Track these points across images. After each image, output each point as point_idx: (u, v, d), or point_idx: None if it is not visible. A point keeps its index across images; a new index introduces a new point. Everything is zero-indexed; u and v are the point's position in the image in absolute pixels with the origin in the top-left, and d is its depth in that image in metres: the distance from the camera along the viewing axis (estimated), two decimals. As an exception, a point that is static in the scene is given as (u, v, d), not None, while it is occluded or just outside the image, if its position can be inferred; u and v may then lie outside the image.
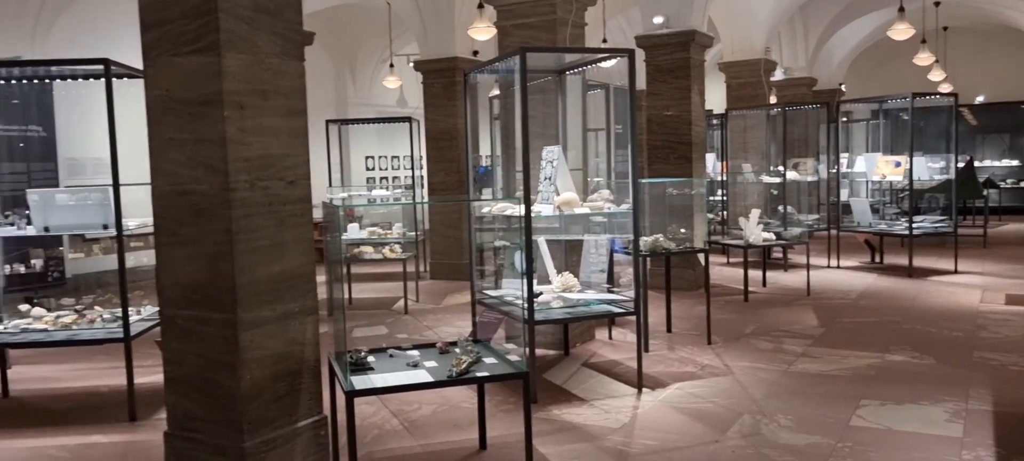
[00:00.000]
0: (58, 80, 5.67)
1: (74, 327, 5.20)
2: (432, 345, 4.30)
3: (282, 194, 4.00)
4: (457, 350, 4.07)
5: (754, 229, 8.67)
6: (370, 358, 3.99)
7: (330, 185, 11.12)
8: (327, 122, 11.21)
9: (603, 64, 6.34)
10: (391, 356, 4.15)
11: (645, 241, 6.76)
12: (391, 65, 13.99)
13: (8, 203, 5.99)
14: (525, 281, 4.96)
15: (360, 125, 13.01)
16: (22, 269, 7.76)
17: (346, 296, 9.23)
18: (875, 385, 5.34)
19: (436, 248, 11.29)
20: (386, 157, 16.49)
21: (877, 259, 11.38)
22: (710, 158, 12.34)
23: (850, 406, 4.90)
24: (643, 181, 6.63)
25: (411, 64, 12.38)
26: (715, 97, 15.09)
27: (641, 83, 9.65)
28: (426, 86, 11.43)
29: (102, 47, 5.77)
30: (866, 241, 11.57)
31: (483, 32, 9.35)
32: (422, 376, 3.77)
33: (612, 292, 5.75)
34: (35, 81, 5.97)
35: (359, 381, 3.69)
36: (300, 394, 4.06)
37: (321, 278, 8.70)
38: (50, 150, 9.96)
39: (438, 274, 11.02)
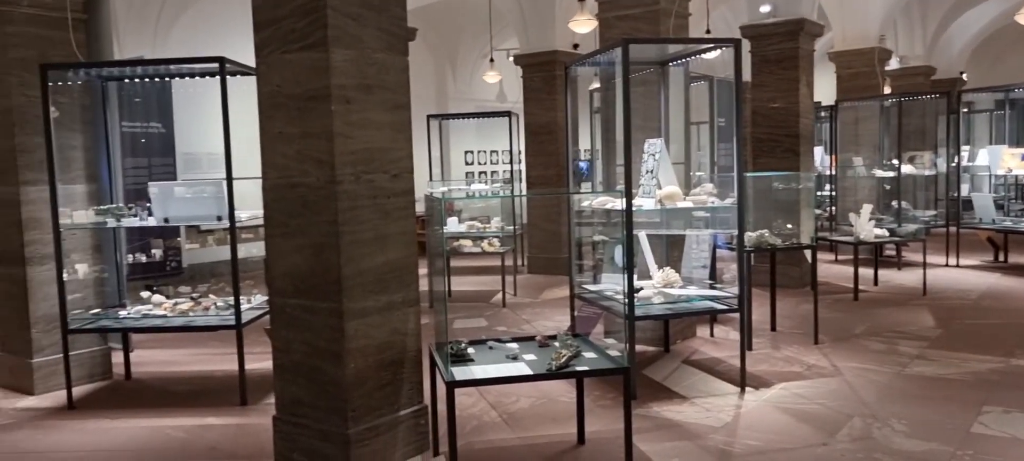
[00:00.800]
0: (177, 79, 5.95)
1: (190, 314, 5.44)
2: (531, 338, 4.30)
3: (386, 187, 4.08)
4: (557, 344, 4.05)
5: (865, 225, 8.31)
6: (470, 350, 4.01)
7: (430, 179, 11.29)
8: (428, 117, 11.41)
9: (707, 55, 6.20)
10: (490, 348, 4.17)
11: (749, 236, 6.57)
12: (491, 60, 14.06)
13: (131, 196, 6.32)
14: (626, 276, 4.89)
15: (460, 120, 13.15)
16: (144, 258, 8.22)
17: (447, 288, 9.35)
18: (999, 391, 5.03)
19: (534, 242, 11.31)
20: (485, 151, 16.62)
21: (1001, 258, 10.73)
22: (818, 151, 11.90)
23: (971, 412, 4.63)
24: (748, 175, 6.45)
25: (511, 58, 12.41)
26: (824, 88, 14.53)
27: (746, 74, 9.39)
28: (526, 80, 11.45)
29: (215, 47, 5.99)
30: (989, 239, 10.93)
31: (584, 25, 9.29)
32: (522, 369, 3.77)
33: (714, 288, 5.61)
34: (156, 80, 6.27)
35: (459, 372, 3.72)
36: (402, 383, 4.13)
37: (422, 270, 8.89)
38: (169, 146, 10.48)
39: (536, 268, 11.04)
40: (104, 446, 4.51)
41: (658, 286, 5.54)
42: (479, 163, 16.74)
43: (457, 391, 3.56)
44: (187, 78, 5.75)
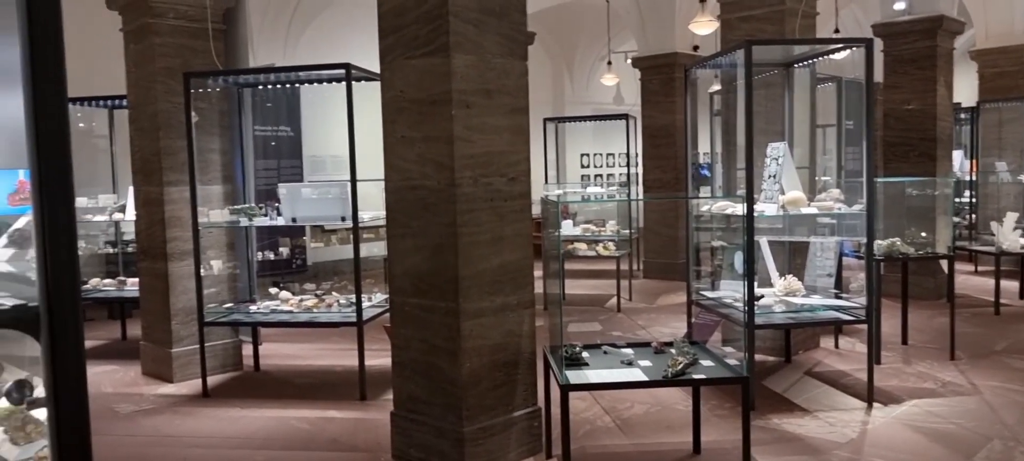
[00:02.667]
0: (306, 84, 6.21)
1: (314, 310, 5.66)
2: (647, 344, 4.25)
3: (503, 190, 4.12)
4: (673, 351, 3.99)
5: (1009, 234, 7.77)
6: (585, 354, 4.00)
7: (546, 182, 11.33)
8: (545, 120, 11.45)
9: (835, 56, 5.95)
10: (605, 353, 4.14)
11: (880, 244, 6.26)
12: (609, 62, 13.99)
13: (262, 196, 6.64)
14: (746, 283, 4.76)
15: (576, 123, 13.13)
16: (271, 256, 8.60)
17: (562, 291, 9.36)
18: None
19: (650, 247, 11.17)
20: (602, 154, 16.54)
21: None
22: (957, 156, 11.21)
23: None
24: (879, 180, 6.16)
25: (628, 61, 12.32)
26: (964, 89, 13.69)
27: (878, 75, 8.96)
28: (644, 83, 11.33)
29: (341, 54, 6.22)
30: None
31: (704, 26, 9.10)
32: (637, 375, 3.73)
33: (840, 298, 5.38)
34: (285, 86, 6.55)
35: (574, 376, 3.72)
36: (516, 384, 4.16)
37: (538, 273, 8.94)
38: (297, 149, 10.95)
39: (652, 273, 10.90)
40: (236, 433, 4.75)
41: (779, 294, 5.36)
42: (595, 166, 16.67)
43: (571, 395, 3.56)
44: (314, 84, 6.02)
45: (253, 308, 5.80)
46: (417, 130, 4.05)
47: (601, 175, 16.53)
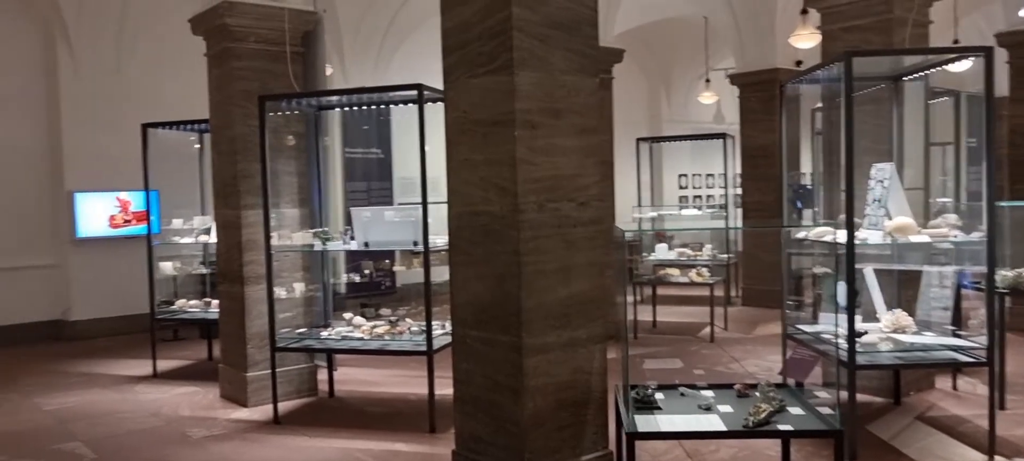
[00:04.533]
0: (386, 106, 6.09)
1: (386, 337, 5.51)
2: (729, 386, 3.86)
3: (572, 216, 3.84)
4: (757, 395, 3.60)
5: None
6: (658, 395, 3.66)
7: (639, 204, 10.94)
8: (638, 140, 11.09)
9: (952, 67, 5.41)
10: (682, 395, 3.79)
11: (1004, 275, 5.62)
12: (706, 80, 13.50)
13: (350, 219, 6.56)
14: (846, 317, 4.30)
15: (672, 143, 12.70)
16: (357, 278, 8.56)
17: (652, 319, 8.96)
18: None
19: (749, 272, 10.62)
20: (700, 175, 15.98)
21: None
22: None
23: None
24: (1002, 204, 5.54)
25: (728, 78, 11.82)
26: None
27: (1002, 88, 8.22)
28: (742, 100, 10.83)
29: (431, 75, 6.07)
30: None
31: (806, 39, 8.56)
32: (713, 423, 3.36)
33: (958, 335, 4.82)
34: (375, 108, 6.37)
35: (643, 421, 3.39)
36: (585, 426, 3.85)
37: (630, 299, 8.55)
38: (387, 170, 10.98)
39: (751, 300, 10.33)
40: (299, 464, 4.63)
41: (886, 330, 4.85)
42: (694, 187, 16.13)
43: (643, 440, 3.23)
44: (395, 106, 5.89)
45: (325, 333, 5.69)
46: (480, 152, 3.82)
47: (700, 196, 15.97)
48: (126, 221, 9.06)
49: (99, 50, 8.97)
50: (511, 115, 3.67)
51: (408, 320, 5.79)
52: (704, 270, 8.62)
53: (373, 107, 6.18)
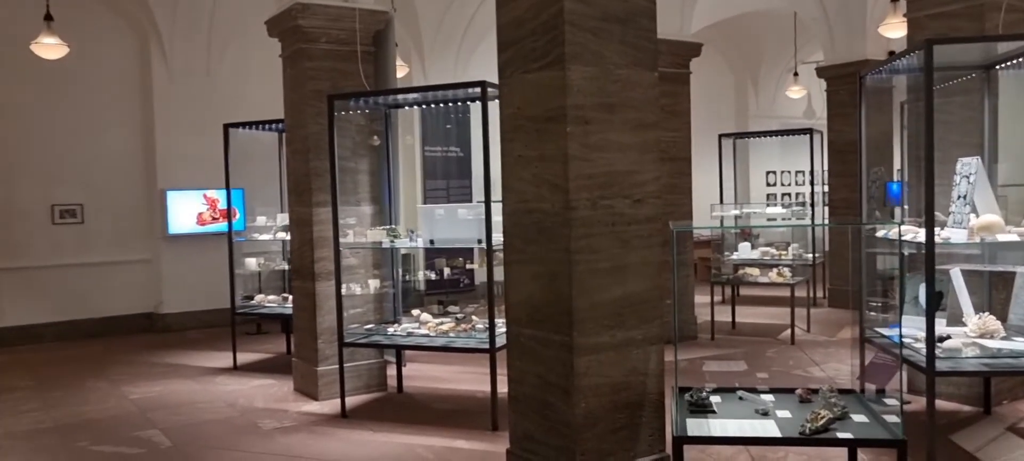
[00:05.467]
0: (469, 103, 6.08)
1: (450, 334, 5.53)
2: (791, 391, 3.70)
3: (627, 213, 3.76)
4: (819, 400, 3.44)
5: None
6: (714, 398, 3.54)
7: (721, 202, 10.67)
8: (720, 136, 10.83)
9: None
10: (740, 398, 3.66)
11: (1107, 279, 5.22)
12: (795, 73, 13.08)
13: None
14: (926, 320, 4.07)
15: (760, 139, 12.35)
16: (433, 275, 8.64)
17: (731, 319, 8.73)
18: None
19: (836, 272, 10.21)
20: (789, 172, 15.48)
21: None
22: None
23: None
24: (1106, 201, 5.14)
25: (816, 71, 11.41)
26: None
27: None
28: (830, 94, 10.43)
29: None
30: None
31: (897, 28, 8.17)
32: (768, 428, 3.23)
33: (1052, 342, 4.50)
34: (456, 105, 6.35)
35: (694, 425, 3.28)
36: (639, 428, 3.76)
37: (703, 298, 8.37)
38: (466, 168, 11.04)
39: (837, 301, 9.93)
40: (360, 458, 4.69)
41: (972, 335, 4.57)
42: (783, 184, 15.64)
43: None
44: (457, 103, 5.91)
45: (391, 330, 5.76)
46: (533, 149, 3.78)
47: (788, 194, 15.47)
48: (213, 218, 9.41)
49: (190, 55, 9.35)
50: (563, 111, 3.61)
51: (474, 318, 5.80)
52: (785, 270, 8.33)
53: (450, 104, 6.21)
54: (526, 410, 3.92)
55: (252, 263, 8.04)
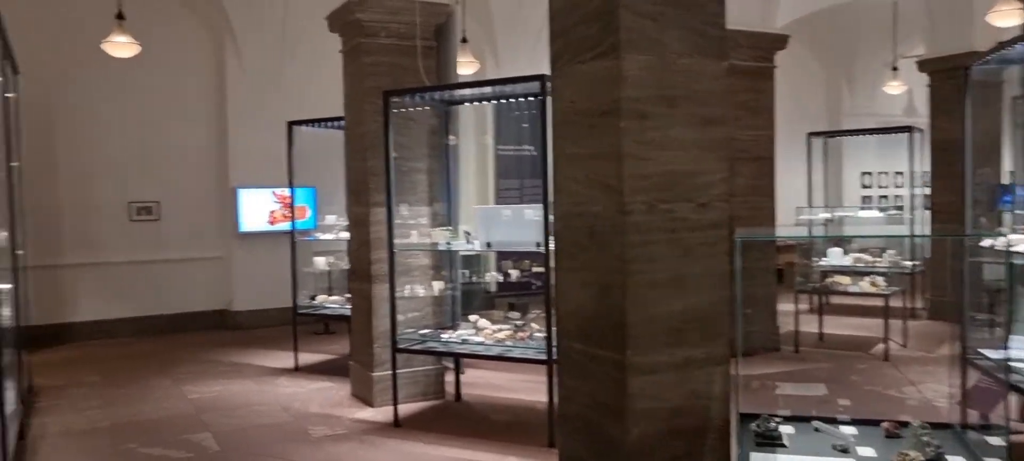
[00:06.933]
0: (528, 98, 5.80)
1: (507, 343, 5.24)
2: (876, 423, 3.26)
3: (689, 218, 3.37)
4: (908, 437, 2.99)
5: None
6: (784, 428, 3.14)
7: (809, 205, 10.05)
8: (809, 135, 10.19)
9: None
10: (816, 430, 3.24)
11: None
12: (894, 68, 12.26)
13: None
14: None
15: (854, 138, 11.63)
16: (499, 278, 8.38)
17: (818, 331, 8.16)
18: None
19: (937, 282, 9.46)
20: (886, 173, 14.59)
21: None
22: None
23: None
24: None
25: (917, 65, 10.64)
26: None
27: None
28: (932, 89, 9.71)
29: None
30: None
31: (1008, 16, 7.47)
32: (846, 469, 2.81)
33: None
34: (525, 99, 6.04)
35: (759, 460, 2.89)
36: (701, 458, 3.38)
37: (787, 306, 7.83)
38: (539, 167, 10.72)
39: (939, 314, 9.21)
40: (408, 472, 4.46)
41: (1094, 361, 4.00)
42: (880, 186, 14.76)
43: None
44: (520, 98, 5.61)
45: (446, 336, 5.51)
46: (584, 146, 3.45)
47: (885, 196, 14.58)
48: (284, 216, 9.39)
49: (263, 52, 9.36)
50: (617, 104, 3.26)
51: (534, 325, 5.50)
52: (879, 279, 7.71)
53: (518, 100, 5.91)
54: (575, 431, 3.58)
55: (321, 262, 7.96)
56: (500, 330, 5.38)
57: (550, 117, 4.72)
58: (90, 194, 8.85)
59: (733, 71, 7.54)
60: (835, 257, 8.43)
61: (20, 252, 5.87)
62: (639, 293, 3.27)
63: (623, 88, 3.24)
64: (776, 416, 3.25)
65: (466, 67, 8.68)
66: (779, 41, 7.80)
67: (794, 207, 9.35)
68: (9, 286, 5.09)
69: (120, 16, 7.31)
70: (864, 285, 7.71)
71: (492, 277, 8.10)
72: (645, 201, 3.28)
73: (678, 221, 3.34)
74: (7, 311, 4.93)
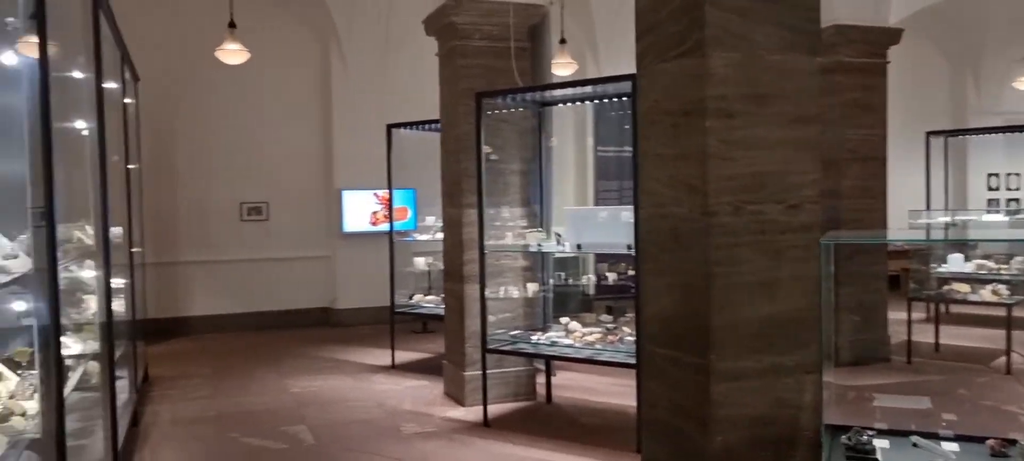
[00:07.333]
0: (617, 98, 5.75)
1: (597, 346, 5.18)
2: (981, 440, 3.04)
3: (778, 220, 3.25)
4: (1015, 455, 2.78)
5: None
6: (879, 442, 2.97)
7: (928, 207, 9.51)
8: (928, 134, 9.65)
9: None
10: (915, 446, 3.04)
11: None
12: (1025, 62, 11.48)
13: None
14: None
15: (980, 137, 10.96)
16: (595, 280, 8.31)
17: (933, 341, 7.71)
18: None
19: (1070, 292, 8.76)
20: (1017, 175, 13.66)
21: None
22: None
23: None
24: None
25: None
26: None
27: None
28: (1067, 84, 8.99)
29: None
30: None
31: None
32: (943, 489, 2.63)
33: None
34: (623, 100, 5.98)
35: (848, 475, 2.74)
36: (789, 470, 3.25)
37: (898, 314, 7.43)
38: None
39: (1072, 326, 8.52)
40: (494, 473, 4.48)
41: None
42: (1009, 188, 13.84)
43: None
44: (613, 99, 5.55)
45: (536, 337, 5.50)
46: (669, 146, 3.37)
47: (1016, 199, 13.64)
48: (385, 217, 9.60)
49: (366, 57, 9.61)
50: (702, 103, 3.17)
51: (625, 328, 5.42)
52: (1001, 287, 7.22)
53: (616, 100, 5.85)
54: (658, 437, 3.51)
55: (420, 262, 8.10)
56: (590, 333, 5.33)
57: (637, 115, 4.67)
58: (205, 195, 9.31)
59: (841, 68, 7.25)
60: (955, 263, 7.95)
61: (136, 250, 6.23)
62: (724, 296, 3.18)
63: (708, 86, 3.15)
64: (869, 429, 3.08)
65: (564, 68, 8.67)
66: (892, 35, 7.42)
67: (904, 210, 8.86)
68: (125, 281, 5.40)
69: (232, 25, 7.66)
70: (985, 293, 7.24)
71: (589, 279, 8.07)
72: (731, 202, 3.18)
73: (767, 223, 3.23)
74: (122, 305, 5.24)
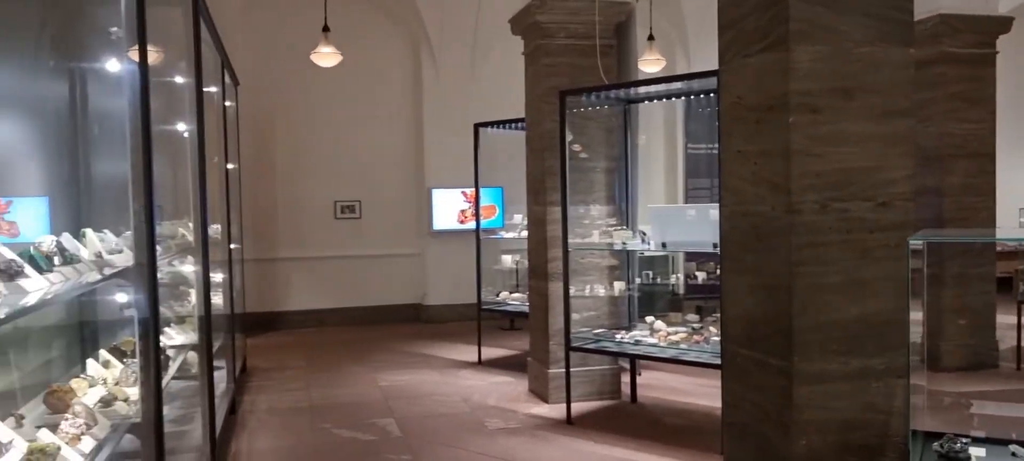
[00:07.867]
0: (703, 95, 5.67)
1: (682, 345, 5.12)
2: (1089, 451, 2.87)
3: (866, 218, 3.15)
4: None
5: None
6: (974, 450, 2.84)
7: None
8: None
9: None
10: (1013, 455, 2.90)
11: None
12: None
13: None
14: None
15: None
16: (684, 279, 8.20)
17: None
18: None
19: None
20: None
21: None
22: None
23: None
24: None
25: None
26: None
27: None
28: None
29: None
30: None
31: None
32: (1041, 501, 2.50)
33: None
34: (710, 95, 5.91)
35: (939, 484, 2.64)
36: (877, 477, 3.14)
37: (1008, 318, 7.06)
38: (728, 166, 10.36)
39: None
40: (575, 470, 4.49)
41: None
42: None
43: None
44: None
45: (620, 336, 5.47)
46: (753, 143, 3.31)
47: None
48: (473, 215, 9.72)
49: (456, 57, 9.75)
50: (785, 98, 3.11)
51: (712, 328, 5.33)
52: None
53: (702, 97, 5.77)
54: (741, 439, 3.45)
55: (507, 260, 8.18)
56: (675, 332, 5.27)
57: (719, 112, 4.59)
58: (301, 194, 9.63)
59: (946, 58, 6.92)
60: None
61: (235, 246, 6.51)
62: (808, 297, 3.10)
63: (791, 80, 3.09)
64: (965, 437, 2.95)
65: (651, 65, 8.58)
66: (1003, 24, 7.03)
67: (1018, 208, 8.40)
68: (223, 276, 5.66)
69: (326, 29, 7.90)
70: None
71: (677, 278, 7.98)
72: (816, 200, 3.11)
73: (854, 221, 3.14)
74: (221, 299, 5.49)
